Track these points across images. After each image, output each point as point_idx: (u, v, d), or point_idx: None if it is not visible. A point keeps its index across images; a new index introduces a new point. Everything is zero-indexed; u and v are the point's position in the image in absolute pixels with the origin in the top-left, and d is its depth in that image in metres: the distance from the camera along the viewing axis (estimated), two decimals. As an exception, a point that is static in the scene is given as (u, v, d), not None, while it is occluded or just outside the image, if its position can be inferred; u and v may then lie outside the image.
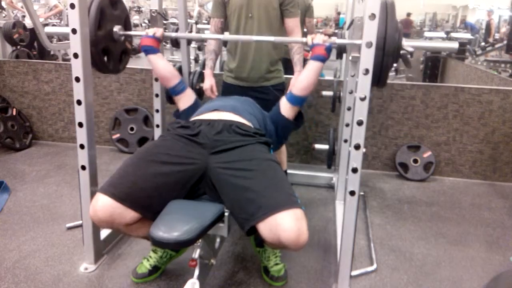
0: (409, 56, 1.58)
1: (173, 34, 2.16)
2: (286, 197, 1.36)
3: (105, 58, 1.91)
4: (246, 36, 2.11)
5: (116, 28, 1.90)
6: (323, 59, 1.73)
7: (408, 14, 13.23)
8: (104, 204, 1.38)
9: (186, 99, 1.95)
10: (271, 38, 1.89)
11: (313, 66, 1.74)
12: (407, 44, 1.56)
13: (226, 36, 2.20)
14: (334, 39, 1.75)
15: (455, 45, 1.60)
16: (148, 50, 1.89)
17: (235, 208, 1.42)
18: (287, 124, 1.85)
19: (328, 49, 1.72)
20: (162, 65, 1.91)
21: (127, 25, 2.02)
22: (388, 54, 1.52)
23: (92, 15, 1.74)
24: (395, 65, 6.06)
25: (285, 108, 1.82)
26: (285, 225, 1.28)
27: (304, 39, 1.78)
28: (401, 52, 1.56)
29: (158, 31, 1.88)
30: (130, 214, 1.40)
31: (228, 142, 1.53)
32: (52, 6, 6.52)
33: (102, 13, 1.79)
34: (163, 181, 1.45)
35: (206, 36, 2.19)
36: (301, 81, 1.77)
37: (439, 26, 15.22)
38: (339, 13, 17.53)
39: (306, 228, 1.32)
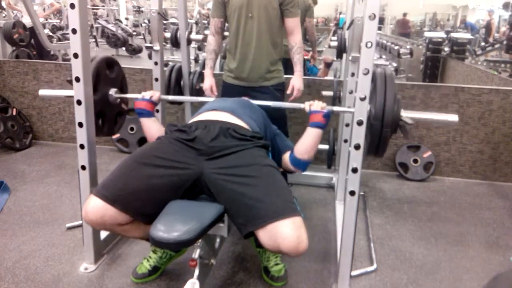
0: (407, 127, 1.60)
1: (170, 97, 2.14)
2: (285, 204, 1.36)
3: (100, 121, 1.90)
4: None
5: (112, 91, 1.90)
6: (322, 126, 1.70)
7: (404, 14, 13.38)
8: (95, 206, 1.38)
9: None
10: (269, 103, 1.89)
11: (312, 133, 1.70)
12: (406, 115, 1.57)
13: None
14: (331, 107, 1.73)
15: (455, 118, 1.61)
16: (142, 114, 1.82)
17: (233, 213, 1.42)
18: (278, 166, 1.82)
19: (326, 116, 1.68)
20: (154, 129, 1.81)
21: (123, 87, 2.03)
22: (387, 126, 1.53)
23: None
24: (394, 64, 6.04)
25: (286, 164, 1.80)
26: (284, 233, 1.28)
27: (301, 106, 1.76)
28: (400, 122, 1.57)
29: (154, 95, 1.85)
30: (121, 216, 1.39)
31: (225, 147, 1.51)
32: (48, 4, 6.49)
33: (97, 77, 1.79)
34: (156, 184, 1.44)
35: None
36: (301, 146, 1.73)
37: (439, 26, 15.22)
38: (340, 13, 17.59)
39: (306, 236, 1.32)
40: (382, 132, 1.54)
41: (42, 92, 1.98)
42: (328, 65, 3.95)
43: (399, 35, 11.61)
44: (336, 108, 1.76)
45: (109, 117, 1.96)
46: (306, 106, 1.73)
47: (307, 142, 1.71)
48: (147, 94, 1.85)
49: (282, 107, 2.02)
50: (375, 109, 1.53)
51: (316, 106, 1.71)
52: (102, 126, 1.93)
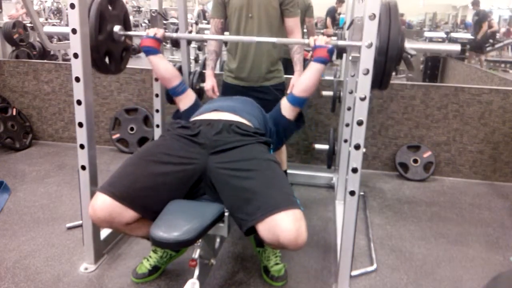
0: (411, 58, 1.59)
1: (174, 35, 2.15)
2: (285, 197, 1.36)
3: (107, 60, 1.90)
4: (248, 37, 2.11)
5: (116, 29, 1.89)
6: (325, 61, 1.73)
7: (401, 15, 13.56)
8: (103, 203, 1.38)
9: (187, 100, 1.95)
10: (273, 39, 1.88)
11: (314, 67, 1.74)
12: (410, 46, 1.56)
13: (229, 37, 2.19)
14: (336, 41, 1.75)
15: (457, 47, 1.60)
16: (149, 51, 1.88)
17: (234, 208, 1.42)
18: (288, 125, 1.85)
19: (330, 51, 1.71)
20: (163, 65, 1.90)
21: (126, 24, 2.01)
22: (391, 57, 1.52)
23: (92, 19, 1.73)
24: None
25: (286, 108, 1.82)
26: (283, 225, 1.28)
27: (306, 41, 1.78)
28: (404, 55, 1.56)
29: (158, 32, 1.88)
30: (129, 214, 1.40)
31: (228, 142, 1.53)
32: (22, 4, 6.45)
33: (101, 16, 1.78)
34: (162, 180, 1.45)
35: (207, 37, 2.19)
36: (302, 82, 1.77)
37: (439, 26, 15.24)
38: (339, 14, 17.59)
39: (305, 229, 1.32)
40: (386, 65, 1.53)
41: (47, 28, 2.00)
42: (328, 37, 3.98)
43: None
44: (341, 42, 1.76)
45: (116, 54, 1.96)
46: (311, 41, 1.75)
47: (309, 78, 1.75)
48: (151, 32, 1.88)
49: (287, 43, 2.05)
50: (380, 41, 1.52)
51: (321, 40, 1.73)
52: (110, 64, 1.93)
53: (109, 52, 1.90)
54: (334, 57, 3.08)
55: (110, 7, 1.88)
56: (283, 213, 1.30)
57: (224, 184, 1.45)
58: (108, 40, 1.86)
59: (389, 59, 1.52)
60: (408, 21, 16.67)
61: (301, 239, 1.29)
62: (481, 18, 7.69)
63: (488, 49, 7.54)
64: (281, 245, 1.31)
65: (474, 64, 5.90)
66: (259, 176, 1.42)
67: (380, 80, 1.58)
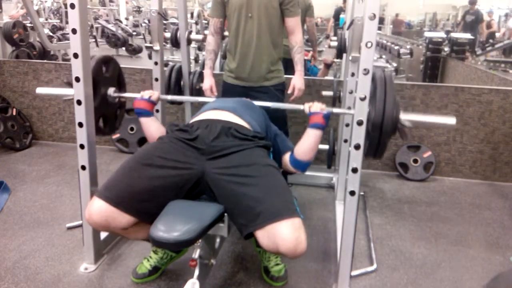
0: (406, 129, 1.62)
1: (169, 97, 2.12)
2: (285, 205, 1.36)
3: (101, 123, 1.90)
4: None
5: (110, 91, 1.88)
6: (322, 127, 1.69)
7: (397, 15, 14.17)
8: (98, 208, 1.38)
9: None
10: (269, 104, 1.90)
11: (312, 134, 1.70)
12: (405, 118, 1.58)
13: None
14: (330, 108, 1.73)
15: (452, 121, 1.62)
16: (141, 113, 1.81)
17: (233, 213, 1.42)
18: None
19: (326, 117, 1.68)
20: (154, 129, 1.80)
21: (120, 84, 2.01)
22: (385, 131, 1.54)
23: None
24: (394, 65, 6.03)
25: (286, 166, 1.80)
26: (283, 234, 1.28)
27: (301, 107, 1.76)
28: (399, 126, 1.58)
29: (154, 95, 1.84)
30: (125, 218, 1.40)
31: (226, 147, 1.51)
32: (22, 4, 6.42)
33: (95, 80, 1.77)
34: (158, 184, 1.44)
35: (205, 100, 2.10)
36: (301, 147, 1.73)
37: (438, 25, 15.26)
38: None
39: (305, 238, 1.32)
40: (381, 137, 1.55)
41: (40, 90, 1.96)
42: (328, 66, 3.96)
43: (393, 33, 11.92)
44: (336, 110, 1.76)
45: (110, 116, 1.96)
46: (306, 107, 1.73)
47: (307, 144, 1.71)
48: (146, 94, 1.84)
49: (281, 108, 2.03)
50: (375, 113, 1.54)
51: (316, 107, 1.71)
52: (104, 127, 1.93)
53: (103, 116, 1.89)
54: (334, 59, 3.07)
55: (103, 70, 1.87)
56: (283, 222, 1.30)
57: (223, 190, 1.44)
58: (102, 105, 1.85)
59: (383, 133, 1.54)
60: (408, 21, 16.71)
61: (300, 248, 1.30)
62: (480, 18, 7.61)
63: (488, 49, 7.53)
64: (279, 253, 1.32)
65: (474, 64, 5.91)
66: (259, 183, 1.41)
67: (375, 151, 1.60)
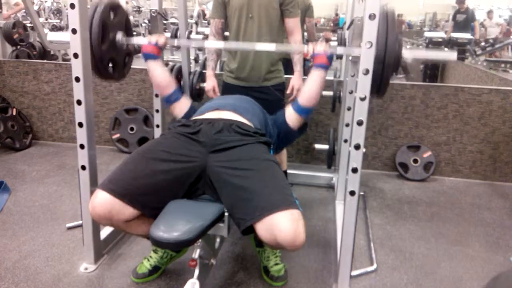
0: (407, 64, 1.61)
1: (176, 41, 2.13)
2: (283, 197, 1.36)
3: (111, 68, 1.90)
4: (246, 43, 2.10)
5: (119, 36, 1.88)
6: (325, 67, 1.73)
7: (399, 15, 14.37)
8: (102, 200, 1.38)
9: (181, 107, 1.90)
10: (272, 46, 1.88)
11: (316, 75, 1.73)
12: (407, 53, 1.57)
13: (228, 44, 2.18)
14: (334, 47, 1.74)
15: (453, 55, 1.61)
16: (149, 56, 1.86)
17: (233, 207, 1.42)
18: (290, 132, 1.84)
19: (330, 58, 1.71)
20: (160, 72, 1.87)
21: (128, 29, 2.00)
22: (388, 64, 1.53)
23: (95, 29, 1.72)
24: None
25: (291, 117, 1.82)
26: (281, 225, 1.28)
27: (305, 48, 1.77)
28: (401, 61, 1.57)
29: (160, 39, 1.85)
30: (128, 211, 1.40)
31: (228, 141, 1.53)
32: (12, 4, 6.39)
33: (104, 25, 1.77)
34: (162, 178, 1.45)
35: (208, 44, 2.17)
36: (306, 91, 1.76)
37: (438, 25, 15.28)
38: (337, 14, 17.98)
39: (303, 229, 1.31)
40: (383, 73, 1.54)
41: (51, 36, 1.97)
42: (327, 41, 3.97)
43: None
44: (339, 50, 1.76)
45: (119, 62, 1.95)
46: (310, 48, 1.74)
47: (313, 86, 1.74)
48: (153, 38, 1.86)
49: (286, 51, 2.03)
50: (377, 49, 1.52)
51: (320, 47, 1.72)
52: (113, 72, 1.93)
53: (112, 60, 1.89)
54: (334, 57, 3.07)
55: (112, 15, 1.86)
56: (281, 213, 1.30)
57: (223, 183, 1.45)
58: (111, 49, 1.85)
59: (386, 66, 1.53)
60: (408, 21, 16.73)
61: (299, 240, 1.29)
62: (472, 17, 7.46)
63: (488, 49, 7.52)
64: (279, 245, 1.31)
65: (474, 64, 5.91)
66: (258, 176, 1.42)
67: (378, 86, 1.59)
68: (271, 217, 1.30)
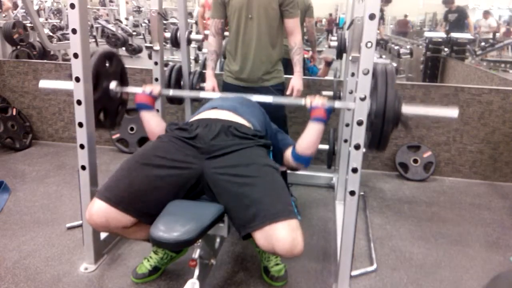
0: (409, 122, 1.62)
1: (171, 92, 2.10)
2: (282, 206, 1.36)
3: (102, 116, 1.89)
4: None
5: (113, 85, 1.87)
6: (323, 121, 1.70)
7: (405, 16, 14.59)
8: (99, 209, 1.38)
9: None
10: (270, 99, 1.88)
11: (314, 127, 1.70)
12: (407, 110, 1.57)
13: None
14: (332, 101, 1.73)
15: (454, 114, 1.61)
16: (143, 107, 1.83)
17: (232, 213, 1.42)
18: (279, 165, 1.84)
19: (328, 111, 1.69)
20: (155, 123, 1.81)
21: (123, 79, 2.00)
22: (388, 122, 1.53)
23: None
24: (394, 64, 6.05)
25: (288, 161, 1.80)
26: (280, 235, 1.29)
27: (302, 101, 1.75)
28: (401, 118, 1.58)
29: (155, 89, 1.84)
30: (125, 218, 1.40)
31: (225, 146, 1.51)
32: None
33: (97, 74, 1.77)
34: (158, 184, 1.44)
35: (204, 95, 2.09)
36: (304, 142, 1.73)
37: (437, 24, 15.30)
38: (330, 15, 18.18)
39: (301, 239, 1.32)
40: (383, 128, 1.54)
41: (43, 83, 1.96)
42: (328, 64, 3.95)
43: (398, 33, 12.19)
44: (337, 104, 1.75)
45: (111, 111, 1.95)
46: (307, 102, 1.73)
47: (309, 138, 1.72)
48: (147, 88, 1.84)
49: (283, 103, 2.02)
50: (376, 105, 1.53)
51: (317, 101, 1.71)
52: (105, 121, 1.93)
53: (104, 108, 1.89)
54: (334, 57, 3.07)
55: (107, 64, 1.87)
56: (280, 223, 1.31)
57: (222, 189, 1.44)
58: (104, 97, 1.85)
59: (386, 121, 1.53)
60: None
61: (297, 250, 1.31)
62: (464, 15, 7.38)
63: (488, 49, 7.52)
64: (276, 254, 1.33)
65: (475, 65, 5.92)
66: (257, 183, 1.41)
67: (378, 141, 1.59)
68: (270, 227, 1.31)
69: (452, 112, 1.61)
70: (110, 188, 1.42)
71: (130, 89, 1.95)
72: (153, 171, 1.45)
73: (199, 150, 1.51)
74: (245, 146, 1.53)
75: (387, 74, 1.57)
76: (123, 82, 2.00)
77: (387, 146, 1.64)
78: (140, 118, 1.85)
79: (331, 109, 1.70)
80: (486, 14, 10.83)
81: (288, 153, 1.81)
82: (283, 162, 1.84)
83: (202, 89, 2.42)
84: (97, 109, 1.79)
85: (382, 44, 7.91)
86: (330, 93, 2.61)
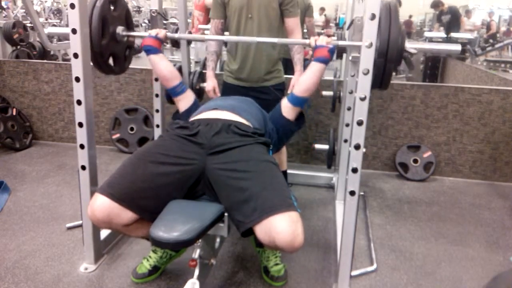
0: (411, 57, 1.59)
1: (176, 35, 2.14)
2: (281, 199, 1.36)
3: (112, 62, 1.90)
4: (249, 37, 2.11)
5: (119, 30, 1.88)
6: (326, 61, 1.73)
7: (410, 16, 14.80)
8: (101, 205, 1.38)
9: (186, 100, 1.95)
10: (274, 40, 1.88)
11: (315, 67, 1.74)
12: (410, 46, 1.56)
13: (229, 37, 2.19)
14: (336, 41, 1.75)
15: (457, 47, 1.60)
16: (150, 50, 1.88)
17: (232, 209, 1.42)
18: (289, 126, 1.85)
19: (331, 51, 1.71)
20: (164, 65, 1.90)
21: (128, 23, 2.00)
22: (391, 57, 1.52)
23: (95, 23, 1.72)
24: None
25: (286, 109, 1.82)
26: (280, 228, 1.29)
27: (307, 41, 1.78)
28: (404, 54, 1.56)
29: (160, 32, 1.88)
30: (127, 215, 1.40)
31: (226, 142, 1.52)
32: None
33: (104, 19, 1.77)
34: (161, 181, 1.45)
35: (208, 37, 2.19)
36: (303, 82, 1.77)
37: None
38: (325, 15, 18.29)
39: (302, 231, 1.32)
40: (386, 65, 1.53)
41: (50, 29, 1.97)
42: (329, 36, 3.98)
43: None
44: (341, 42, 1.76)
45: (120, 55, 1.95)
46: (312, 41, 1.75)
47: (310, 78, 1.75)
48: (153, 32, 1.88)
49: (288, 43, 2.07)
50: (380, 42, 1.51)
51: (321, 40, 1.73)
52: (114, 66, 1.93)
53: (113, 54, 1.90)
54: (334, 57, 3.07)
55: (112, 8, 1.86)
56: (280, 215, 1.30)
57: (222, 185, 1.45)
58: (112, 42, 1.85)
59: (389, 59, 1.52)
60: (408, 21, 16.84)
61: (297, 242, 1.30)
62: (457, 15, 7.32)
63: (488, 49, 7.52)
64: (277, 247, 1.32)
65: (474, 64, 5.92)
66: (256, 178, 1.42)
67: (381, 80, 1.58)
68: (269, 219, 1.30)
69: (455, 46, 1.61)
70: (113, 184, 1.43)
71: (136, 33, 1.98)
72: (155, 168, 1.46)
73: (200, 146, 1.52)
74: (246, 143, 1.54)
75: (391, 10, 1.56)
76: (129, 26, 2.00)
77: (388, 86, 1.63)
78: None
79: (334, 49, 1.72)
80: (468, 13, 10.88)
81: (284, 102, 1.83)
82: (283, 121, 1.83)
83: (202, 89, 2.42)
84: (106, 55, 1.81)
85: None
86: (330, 93, 2.61)
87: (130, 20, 2.03)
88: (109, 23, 1.82)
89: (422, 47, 1.61)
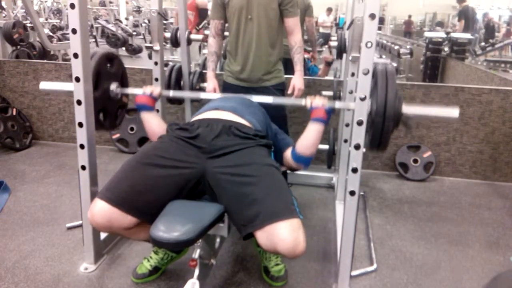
0: (409, 122, 1.61)
1: (171, 93, 2.13)
2: (284, 205, 1.36)
3: (102, 117, 1.90)
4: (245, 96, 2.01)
5: (113, 86, 1.88)
6: (324, 122, 1.70)
7: (409, 16, 15.14)
8: (101, 210, 1.38)
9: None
10: (269, 99, 1.89)
11: (314, 128, 1.70)
12: (407, 111, 1.57)
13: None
14: (333, 102, 1.73)
15: (455, 114, 1.60)
16: (143, 108, 1.83)
17: (233, 213, 1.42)
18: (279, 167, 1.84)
19: (328, 112, 1.69)
20: (155, 124, 1.82)
21: (123, 81, 2.01)
22: (388, 121, 1.53)
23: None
24: (395, 64, 6.05)
25: (288, 161, 1.81)
26: (282, 235, 1.29)
27: (302, 101, 1.75)
28: (402, 118, 1.58)
29: (155, 91, 1.85)
30: (127, 219, 1.40)
31: (227, 146, 1.51)
32: None
33: (98, 74, 1.78)
34: (160, 184, 1.44)
35: (204, 96, 2.11)
36: (303, 141, 1.73)
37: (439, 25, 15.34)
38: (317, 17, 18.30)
39: (304, 239, 1.32)
40: (383, 127, 1.54)
41: (43, 85, 1.93)
42: (328, 64, 3.96)
43: (405, 33, 13.11)
44: (337, 105, 1.75)
45: (111, 112, 1.95)
46: (308, 102, 1.73)
47: (309, 138, 1.72)
48: (147, 89, 1.85)
49: (283, 104, 2.02)
50: (377, 104, 1.53)
51: (318, 102, 1.71)
52: (104, 121, 1.93)
53: (104, 109, 1.90)
54: (334, 56, 3.07)
55: (108, 65, 1.88)
56: (282, 222, 1.30)
57: (223, 189, 1.44)
58: (104, 97, 1.85)
59: (386, 120, 1.53)
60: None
61: (299, 249, 1.30)
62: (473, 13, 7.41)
63: (488, 49, 7.51)
64: (278, 253, 1.33)
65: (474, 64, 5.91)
66: (259, 182, 1.41)
67: (379, 140, 1.59)
68: (271, 226, 1.30)
69: (452, 112, 1.61)
70: (111, 188, 1.42)
71: (131, 90, 1.96)
72: (154, 171, 1.45)
73: (200, 149, 1.51)
74: (247, 146, 1.53)
75: (387, 73, 1.57)
76: (124, 84, 2.01)
77: (387, 146, 1.64)
78: (140, 118, 1.86)
79: (331, 110, 1.70)
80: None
81: (288, 153, 1.81)
82: (282, 162, 1.83)
83: (202, 89, 2.42)
84: (96, 109, 1.79)
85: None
86: (330, 93, 2.62)
87: (125, 79, 2.04)
88: (104, 78, 1.83)
89: (419, 112, 1.62)
